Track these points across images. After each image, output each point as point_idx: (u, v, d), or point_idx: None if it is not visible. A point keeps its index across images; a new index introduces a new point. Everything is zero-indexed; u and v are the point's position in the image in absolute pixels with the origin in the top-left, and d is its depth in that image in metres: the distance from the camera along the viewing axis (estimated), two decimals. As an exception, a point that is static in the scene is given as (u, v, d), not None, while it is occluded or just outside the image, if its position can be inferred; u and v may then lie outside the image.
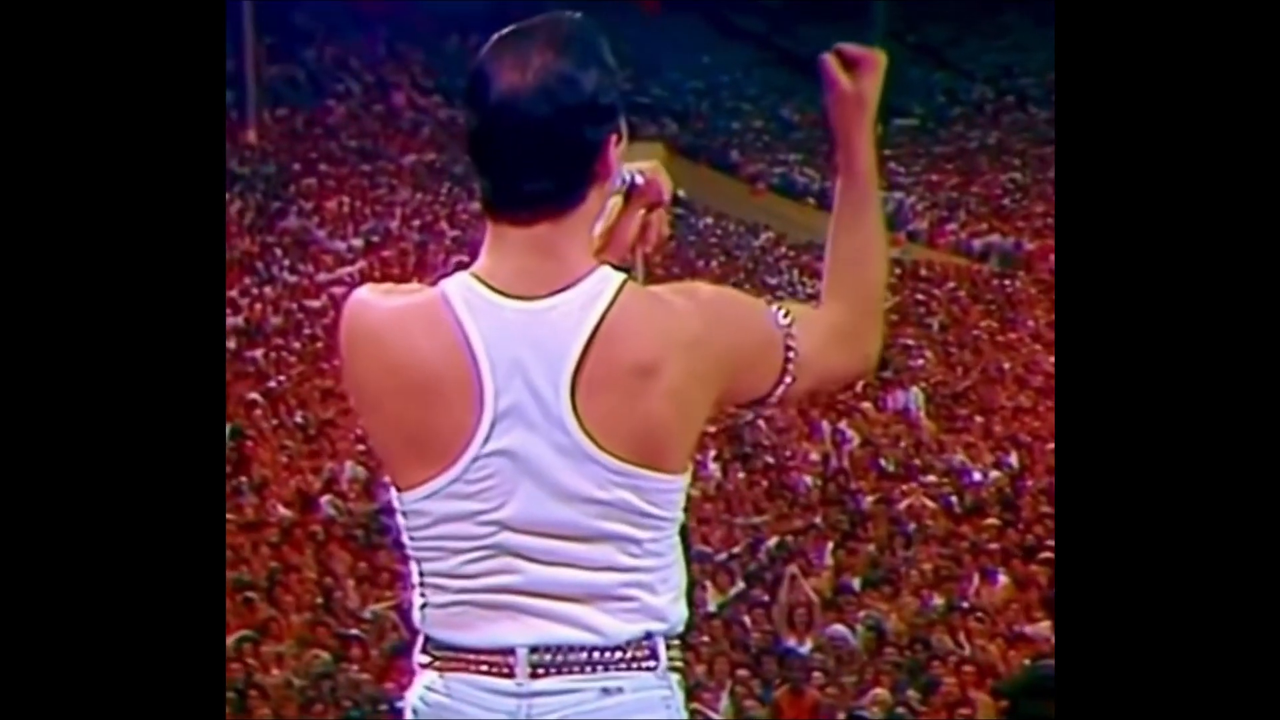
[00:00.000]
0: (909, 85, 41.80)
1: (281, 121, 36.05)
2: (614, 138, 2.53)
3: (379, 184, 31.93)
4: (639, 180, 2.69)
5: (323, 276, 27.01)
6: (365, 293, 2.57)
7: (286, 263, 27.43)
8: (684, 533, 2.60)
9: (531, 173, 2.47)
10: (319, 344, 23.49)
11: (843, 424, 19.07)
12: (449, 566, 2.54)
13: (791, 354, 2.58)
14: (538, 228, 2.48)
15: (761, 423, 19.14)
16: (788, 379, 2.60)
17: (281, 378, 21.38)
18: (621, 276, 2.52)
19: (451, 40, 37.57)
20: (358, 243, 28.96)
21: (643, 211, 2.72)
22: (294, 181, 31.71)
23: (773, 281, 29.37)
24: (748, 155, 37.84)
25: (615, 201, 2.66)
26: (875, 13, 38.26)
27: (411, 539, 2.56)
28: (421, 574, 2.57)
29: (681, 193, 29.74)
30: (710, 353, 2.50)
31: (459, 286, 2.50)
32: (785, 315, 2.60)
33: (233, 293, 25.53)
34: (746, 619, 12.84)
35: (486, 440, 2.48)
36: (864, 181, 2.70)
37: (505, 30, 2.56)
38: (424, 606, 2.58)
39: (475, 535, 2.52)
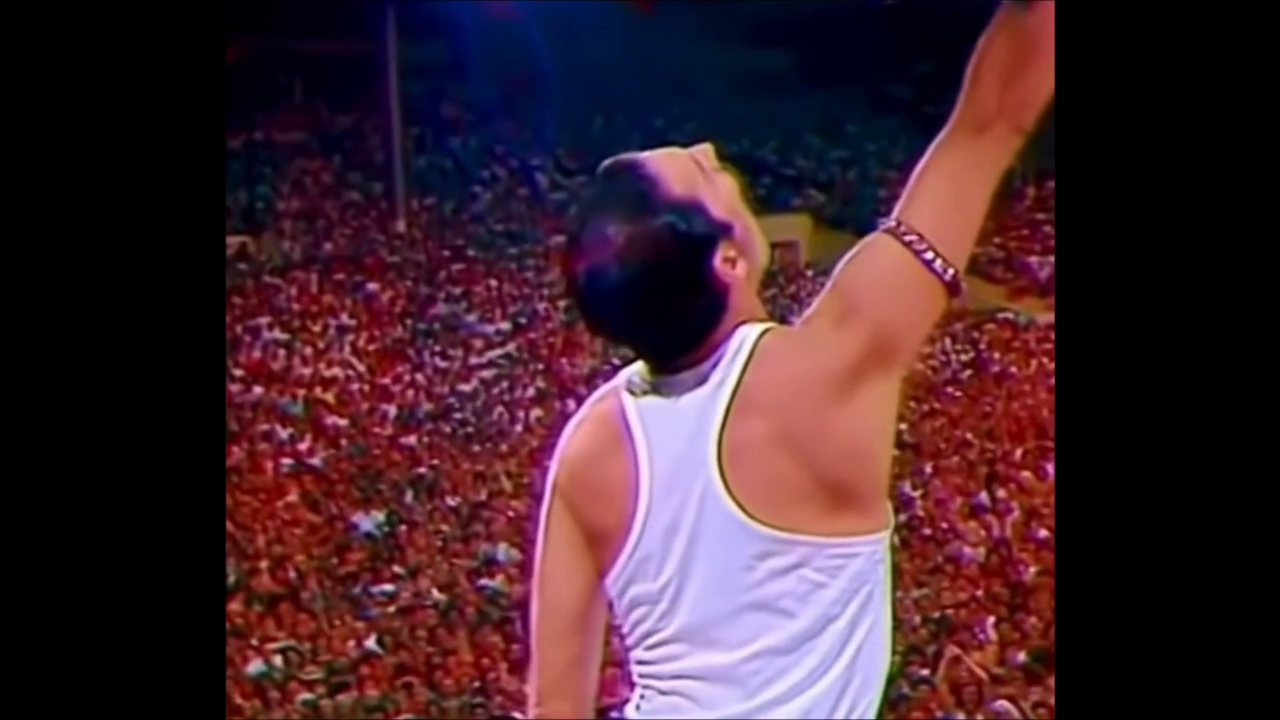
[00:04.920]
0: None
1: (429, 210, 36.51)
2: (716, 254, 2.39)
3: (526, 266, 32.16)
4: None
5: (473, 360, 27.21)
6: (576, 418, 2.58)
7: (437, 348, 27.67)
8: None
9: (661, 343, 2.42)
10: (470, 428, 23.60)
11: (1002, 493, 18.67)
12: (638, 655, 2.47)
13: (928, 254, 2.33)
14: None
15: (918, 494, 18.81)
16: (945, 272, 2.34)
17: (435, 462, 21.49)
18: (761, 328, 2.38)
19: (596, 123, 37.84)
20: (506, 325, 29.15)
21: None
22: (443, 268, 32.05)
23: (925, 350, 29.02)
24: (896, 224, 37.50)
25: None
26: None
27: (621, 629, 2.52)
28: (632, 664, 2.51)
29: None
30: (864, 365, 2.32)
31: (630, 370, 2.50)
32: (894, 222, 2.36)
33: (385, 380, 25.81)
34: (908, 693, 12.53)
35: (646, 519, 2.40)
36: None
37: (572, 211, 2.56)
38: (631, 700, 2.50)
39: (652, 619, 2.43)
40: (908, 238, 2.32)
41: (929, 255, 2.32)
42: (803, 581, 2.34)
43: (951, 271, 2.33)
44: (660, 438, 2.40)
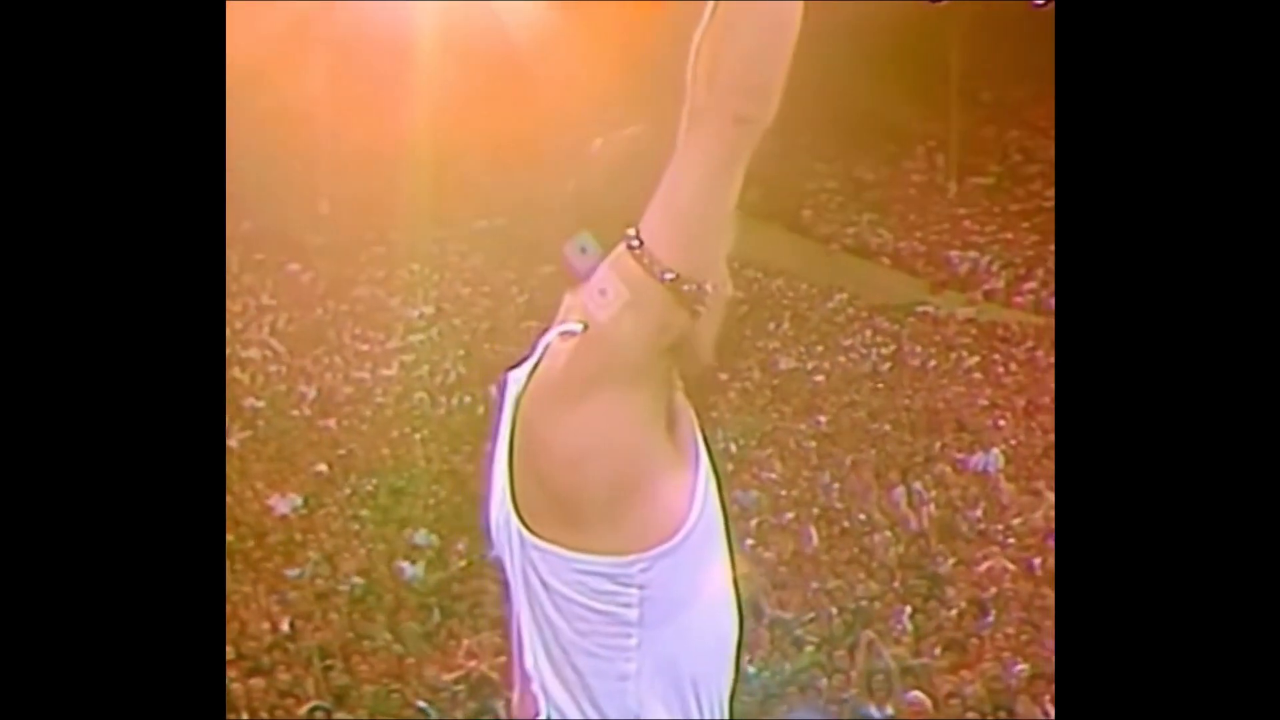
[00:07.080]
0: (984, 143, 41.58)
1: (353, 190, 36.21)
2: None
3: (450, 251, 32.00)
4: None
5: (394, 344, 27.08)
6: None
7: (358, 331, 27.51)
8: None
9: None
10: (389, 412, 23.49)
11: (919, 485, 18.79)
12: None
13: (666, 274, 2.18)
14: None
15: (837, 485, 18.89)
16: (685, 287, 2.18)
17: (354, 445, 21.37)
18: (563, 328, 2.33)
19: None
20: (429, 309, 29.01)
21: None
22: (365, 250, 31.83)
23: (847, 343, 29.15)
24: (821, 215, 37.71)
25: None
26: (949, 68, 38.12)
27: None
28: None
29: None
30: (594, 379, 2.23)
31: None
32: (635, 239, 2.20)
33: (305, 361, 25.64)
34: (823, 684, 12.58)
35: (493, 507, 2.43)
36: None
37: None
38: None
39: None
40: (643, 255, 2.19)
41: (666, 274, 2.19)
42: (553, 592, 2.31)
43: (691, 286, 2.20)
44: (505, 429, 2.40)
